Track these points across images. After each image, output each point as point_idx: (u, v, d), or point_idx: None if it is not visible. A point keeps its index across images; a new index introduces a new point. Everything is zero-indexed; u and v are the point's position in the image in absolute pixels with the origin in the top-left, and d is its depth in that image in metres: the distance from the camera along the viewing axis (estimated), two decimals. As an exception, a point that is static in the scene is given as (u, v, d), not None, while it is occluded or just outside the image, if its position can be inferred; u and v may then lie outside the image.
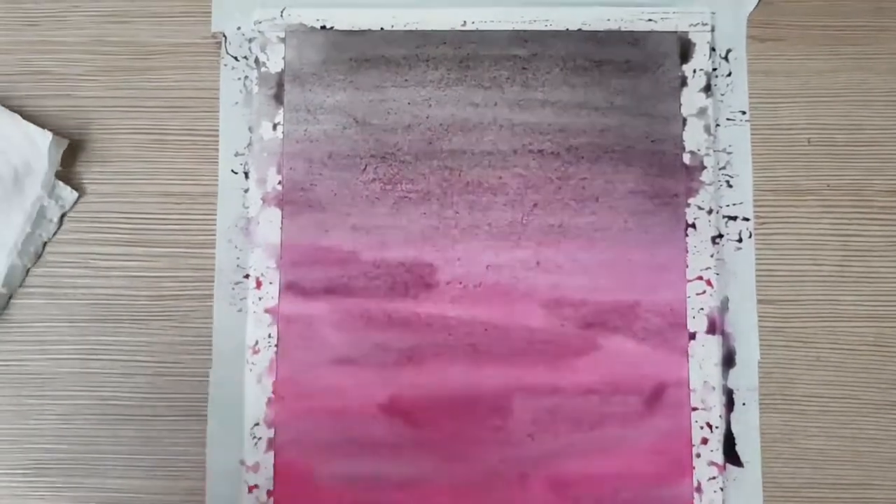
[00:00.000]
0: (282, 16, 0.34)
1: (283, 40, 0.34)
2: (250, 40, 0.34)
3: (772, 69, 0.34)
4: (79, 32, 0.34)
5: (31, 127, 0.33)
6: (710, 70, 0.33)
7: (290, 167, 0.33)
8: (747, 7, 0.34)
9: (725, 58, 0.34)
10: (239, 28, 0.34)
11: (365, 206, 0.33)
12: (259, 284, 0.33)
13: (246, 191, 0.33)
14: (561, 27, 0.34)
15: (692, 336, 0.32)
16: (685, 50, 0.34)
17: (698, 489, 0.32)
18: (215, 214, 0.33)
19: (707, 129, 0.33)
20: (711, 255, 0.33)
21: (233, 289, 0.33)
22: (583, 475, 0.32)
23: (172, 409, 0.33)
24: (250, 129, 0.34)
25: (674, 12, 0.34)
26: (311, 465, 0.32)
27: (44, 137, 0.32)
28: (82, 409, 0.33)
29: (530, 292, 0.32)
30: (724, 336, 0.32)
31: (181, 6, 0.34)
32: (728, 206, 0.33)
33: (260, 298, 0.33)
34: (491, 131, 0.33)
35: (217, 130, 0.34)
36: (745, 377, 0.32)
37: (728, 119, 0.33)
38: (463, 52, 0.34)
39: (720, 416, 0.32)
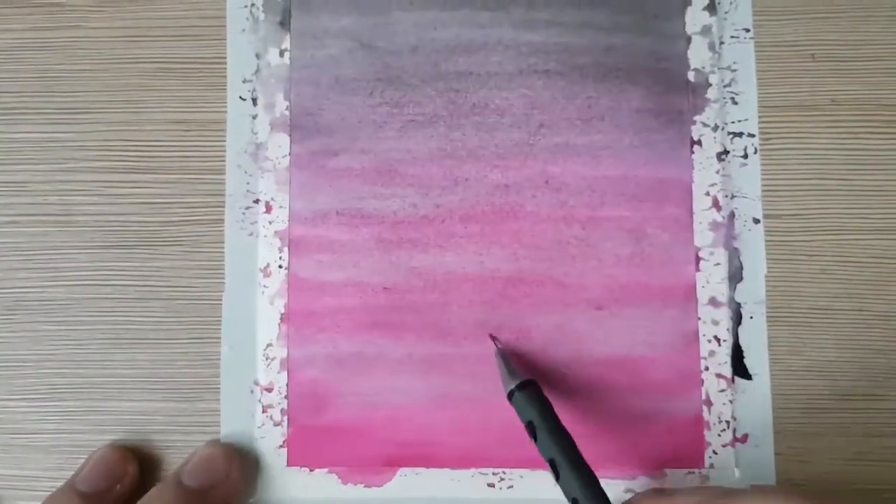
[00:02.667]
0: (287, -57, 0.34)
1: (288, -33, 0.34)
2: (256, -31, 0.34)
3: (775, -12, 0.34)
4: (86, -35, 0.35)
5: None
6: (714, -11, 0.34)
7: (298, 92, 0.34)
8: (750, -73, 0.34)
9: (728, -23, 0.34)
10: (244, -43, 0.34)
11: (372, 130, 0.33)
12: (269, 208, 0.33)
13: (254, 117, 0.34)
14: (564, -51, 0.34)
15: (699, 251, 0.33)
16: (688, -30, 0.34)
17: (707, 401, 0.32)
18: (224, 141, 0.34)
19: (711, 47, 0.33)
20: (717, 172, 0.33)
21: (243, 213, 0.33)
22: (592, 389, 0.32)
23: (186, 332, 0.33)
24: (257, 56, 0.34)
25: (676, -68, 0.34)
26: (324, 383, 0.32)
27: None
28: (96, 334, 0.33)
29: (537, 210, 0.33)
30: (731, 251, 0.33)
31: (187, -63, 0.35)
32: (733, 122, 0.33)
33: (270, 222, 0.33)
34: (496, 52, 0.34)
35: (224, 58, 0.34)
36: (753, 291, 0.32)
37: (732, 37, 0.34)
38: (467, -23, 0.34)
39: (728, 330, 0.32)
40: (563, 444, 0.28)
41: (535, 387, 0.30)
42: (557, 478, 0.28)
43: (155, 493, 0.30)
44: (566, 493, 0.28)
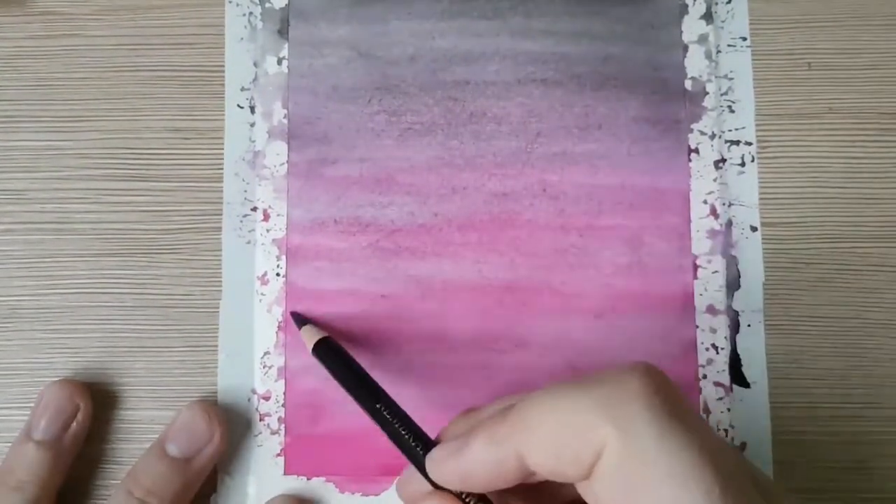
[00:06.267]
0: (285, -48, 0.34)
1: (286, -23, 0.34)
2: (254, -22, 0.34)
3: (771, -3, 0.34)
4: (85, -26, 0.35)
5: None
6: (710, -2, 0.34)
7: (296, 101, 0.34)
8: (746, -64, 0.34)
9: (725, -13, 0.34)
10: (243, -34, 0.34)
11: (370, 139, 0.33)
12: (266, 216, 0.33)
13: (252, 125, 0.34)
14: (561, -42, 0.34)
15: (696, 259, 0.33)
16: (685, -20, 0.34)
17: (705, 409, 0.32)
18: (222, 149, 0.34)
19: (708, 56, 0.34)
20: (714, 180, 0.33)
21: (241, 221, 0.33)
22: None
23: (183, 340, 0.33)
24: (255, 65, 0.34)
25: (673, -58, 0.34)
26: (322, 392, 0.32)
27: None
28: (93, 343, 0.33)
29: (535, 219, 0.33)
30: (729, 259, 0.33)
31: (185, -54, 0.35)
32: (730, 130, 0.33)
33: (268, 230, 0.33)
34: (494, 61, 0.34)
35: (222, 66, 0.34)
36: (750, 299, 0.32)
37: (729, 45, 0.34)
38: (465, -14, 0.34)
39: (726, 338, 0.32)
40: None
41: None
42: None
43: (141, 468, 0.30)
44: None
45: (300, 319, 0.32)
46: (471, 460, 0.23)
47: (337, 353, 0.30)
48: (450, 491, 0.25)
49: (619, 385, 0.21)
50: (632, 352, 0.32)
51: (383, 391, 0.29)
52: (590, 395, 0.22)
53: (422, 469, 0.26)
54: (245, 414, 0.32)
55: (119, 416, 0.32)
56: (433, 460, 0.25)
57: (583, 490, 0.23)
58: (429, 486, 0.26)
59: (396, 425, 0.27)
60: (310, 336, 0.31)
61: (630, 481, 0.21)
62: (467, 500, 0.25)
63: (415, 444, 0.27)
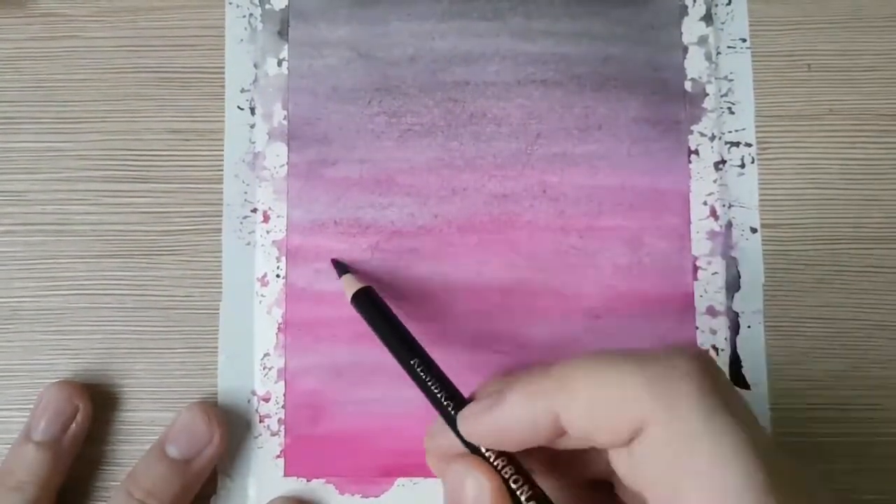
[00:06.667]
0: (285, -46, 0.34)
1: (286, -22, 0.34)
2: (254, -21, 0.34)
3: (771, -2, 0.34)
4: (85, -24, 0.35)
5: None
6: (710, -1, 0.34)
7: (296, 102, 0.34)
8: (745, -63, 0.34)
9: (725, -12, 0.34)
10: (243, -33, 0.34)
11: (370, 140, 0.34)
12: (266, 218, 0.33)
13: (252, 126, 0.34)
14: (561, -41, 0.34)
15: (696, 261, 0.33)
16: (685, -19, 0.34)
17: (705, 411, 0.32)
18: (222, 150, 0.34)
19: (708, 57, 0.34)
20: (714, 181, 0.33)
21: (241, 223, 0.33)
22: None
23: (183, 342, 0.33)
24: (255, 66, 0.34)
25: (673, -57, 0.34)
26: (322, 393, 0.32)
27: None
28: (94, 344, 0.33)
29: (535, 220, 0.33)
30: (729, 260, 0.33)
31: (185, -52, 0.35)
32: (730, 132, 0.33)
33: (268, 232, 0.33)
34: (494, 62, 0.34)
35: (223, 68, 0.34)
36: (750, 300, 0.32)
37: (729, 47, 0.34)
38: (465, -13, 0.34)
39: (726, 339, 0.32)
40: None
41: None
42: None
43: (141, 469, 0.30)
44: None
45: (341, 267, 0.32)
46: (506, 415, 0.23)
47: (376, 304, 0.30)
48: (480, 455, 0.25)
49: (669, 364, 0.22)
50: (632, 353, 0.32)
51: (421, 347, 0.28)
52: (637, 368, 0.22)
53: (455, 429, 0.25)
54: (245, 415, 0.32)
55: (119, 418, 0.33)
56: (465, 416, 0.25)
57: (618, 460, 0.23)
58: (459, 447, 0.25)
59: (429, 382, 0.27)
60: (350, 285, 0.31)
61: (674, 458, 0.21)
62: (495, 462, 0.24)
63: (447, 403, 0.26)
